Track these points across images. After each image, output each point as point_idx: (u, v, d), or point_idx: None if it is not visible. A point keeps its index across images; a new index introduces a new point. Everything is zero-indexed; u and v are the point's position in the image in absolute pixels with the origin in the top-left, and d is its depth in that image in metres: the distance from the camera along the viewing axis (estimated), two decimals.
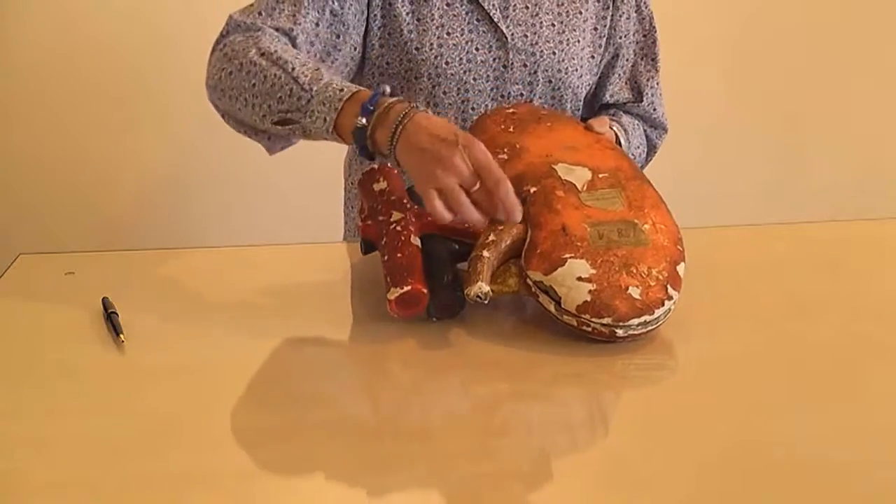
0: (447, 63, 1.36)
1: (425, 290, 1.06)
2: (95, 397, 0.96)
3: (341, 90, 1.10)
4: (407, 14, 1.35)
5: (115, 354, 1.04)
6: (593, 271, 1.04)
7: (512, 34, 1.38)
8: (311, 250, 1.39)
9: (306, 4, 1.27)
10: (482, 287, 1.04)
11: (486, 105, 1.39)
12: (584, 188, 1.14)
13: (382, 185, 1.19)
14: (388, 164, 1.20)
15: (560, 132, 1.25)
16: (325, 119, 1.10)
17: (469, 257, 1.09)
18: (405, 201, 1.16)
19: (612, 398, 1.00)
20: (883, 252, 1.38)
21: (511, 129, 1.24)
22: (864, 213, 2.33)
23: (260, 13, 1.27)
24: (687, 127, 2.55)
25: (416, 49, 1.35)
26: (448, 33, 1.36)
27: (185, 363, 1.03)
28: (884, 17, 2.64)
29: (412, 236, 1.11)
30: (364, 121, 1.08)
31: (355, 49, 1.35)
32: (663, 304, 1.04)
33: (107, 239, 2.43)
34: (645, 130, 1.53)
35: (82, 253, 1.36)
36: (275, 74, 1.14)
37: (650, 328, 1.04)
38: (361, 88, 1.11)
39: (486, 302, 1.05)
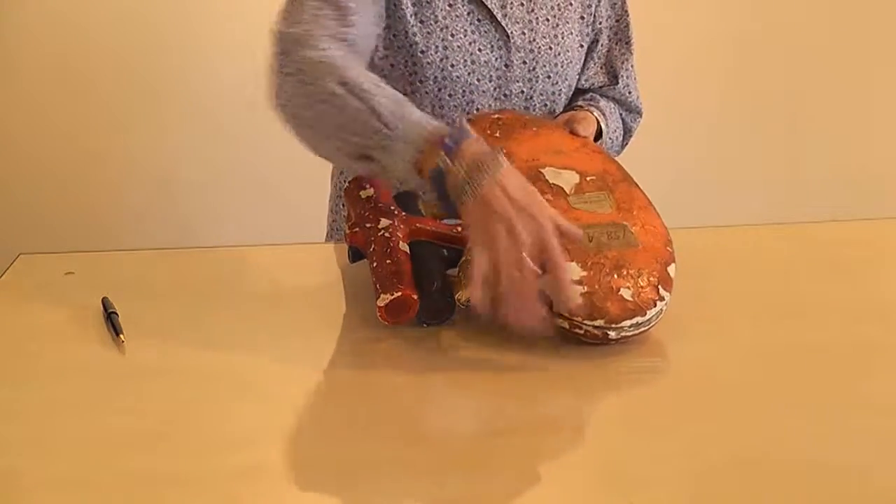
0: (452, 66, 1.35)
1: (415, 297, 1.04)
2: (95, 397, 0.96)
3: (425, 128, 1.04)
4: (411, 16, 1.34)
5: (115, 354, 1.04)
6: (584, 273, 1.04)
7: (511, 32, 1.38)
8: (309, 250, 1.39)
9: (352, 5, 1.19)
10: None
11: (490, 105, 1.38)
12: (573, 191, 1.14)
13: (369, 192, 1.17)
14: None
15: (546, 137, 1.25)
16: (405, 159, 1.04)
17: (459, 262, 1.08)
18: (392, 208, 1.15)
19: (606, 400, 1.00)
20: (883, 252, 1.38)
21: (497, 135, 1.24)
22: (864, 213, 2.33)
23: (307, 21, 1.16)
24: (686, 127, 2.56)
25: (422, 52, 1.34)
26: (452, 35, 1.35)
27: (184, 363, 1.03)
28: (884, 18, 2.64)
29: (400, 242, 1.10)
30: (447, 162, 1.01)
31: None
32: (655, 305, 1.04)
33: (107, 239, 2.43)
34: (620, 114, 1.52)
35: (82, 253, 1.36)
36: (355, 107, 1.07)
37: (642, 329, 1.03)
38: (443, 126, 1.05)
39: None
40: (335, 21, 1.17)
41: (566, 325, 1.03)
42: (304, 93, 1.11)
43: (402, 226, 1.12)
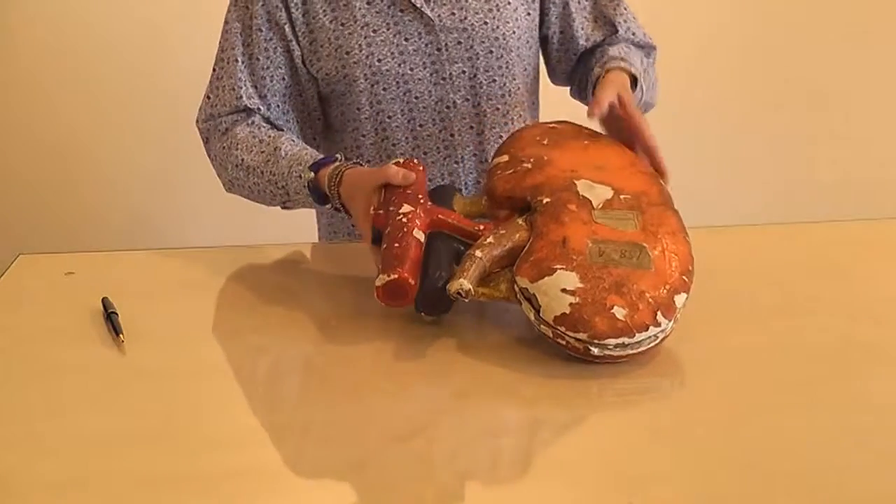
0: (380, 60, 1.35)
1: (413, 281, 1.04)
2: (95, 397, 0.96)
3: (299, 177, 1.26)
4: (330, 22, 1.35)
5: (115, 354, 1.04)
6: (580, 285, 1.00)
7: (439, 15, 1.36)
8: (309, 250, 1.39)
9: (239, 75, 1.36)
10: (463, 284, 1.02)
11: (430, 91, 1.38)
12: (600, 206, 1.10)
13: None
14: (415, 160, 1.20)
15: (595, 151, 1.21)
16: (306, 203, 1.29)
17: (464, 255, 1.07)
18: (420, 196, 1.14)
19: (605, 401, 0.99)
20: (883, 252, 1.38)
21: (545, 142, 1.21)
22: (864, 213, 2.33)
23: (213, 105, 1.38)
24: (687, 127, 2.56)
25: (347, 53, 1.35)
26: (374, 31, 1.35)
27: (183, 363, 1.03)
28: (884, 18, 2.64)
29: (416, 230, 1.09)
30: (312, 175, 1.25)
31: (301, 65, 1.38)
32: (647, 329, 1.00)
33: (107, 239, 2.43)
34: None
35: (82, 253, 1.36)
36: (255, 182, 1.33)
37: (630, 352, 1.00)
38: (312, 166, 1.25)
39: (466, 300, 1.03)
40: (233, 97, 1.36)
41: (549, 333, 1.00)
42: (224, 174, 1.39)
43: (423, 214, 1.11)
